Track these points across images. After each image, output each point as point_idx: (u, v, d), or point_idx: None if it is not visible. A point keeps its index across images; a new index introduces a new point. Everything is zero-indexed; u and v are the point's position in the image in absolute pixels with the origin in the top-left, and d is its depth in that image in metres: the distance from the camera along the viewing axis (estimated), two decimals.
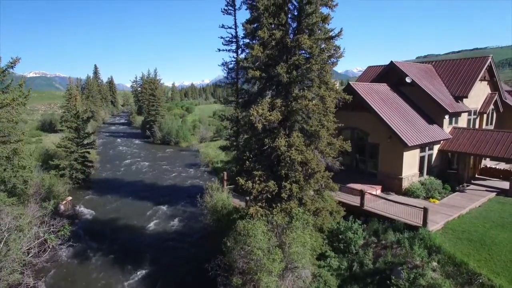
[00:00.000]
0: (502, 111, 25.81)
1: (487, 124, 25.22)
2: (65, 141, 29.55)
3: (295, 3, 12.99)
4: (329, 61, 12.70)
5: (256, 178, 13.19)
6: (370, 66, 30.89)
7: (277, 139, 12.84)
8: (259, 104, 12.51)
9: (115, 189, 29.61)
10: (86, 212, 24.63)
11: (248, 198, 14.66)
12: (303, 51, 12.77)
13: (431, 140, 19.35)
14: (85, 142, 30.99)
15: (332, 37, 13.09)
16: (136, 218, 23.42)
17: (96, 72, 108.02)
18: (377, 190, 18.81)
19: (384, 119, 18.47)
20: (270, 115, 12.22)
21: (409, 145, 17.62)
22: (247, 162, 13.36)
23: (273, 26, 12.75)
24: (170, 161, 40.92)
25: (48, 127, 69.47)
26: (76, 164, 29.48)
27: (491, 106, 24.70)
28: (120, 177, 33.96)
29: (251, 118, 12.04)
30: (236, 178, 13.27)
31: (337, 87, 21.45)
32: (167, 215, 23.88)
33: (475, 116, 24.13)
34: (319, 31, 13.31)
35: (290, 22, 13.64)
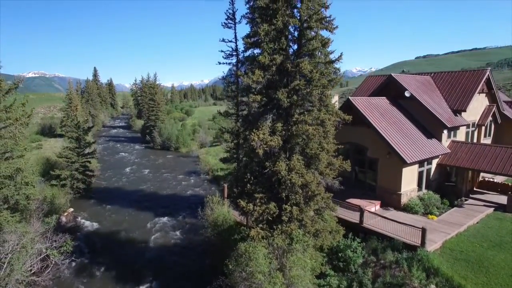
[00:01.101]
0: (500, 122, 26.04)
1: (485, 136, 25.45)
2: (66, 151, 29.69)
3: (295, 28, 13.15)
4: (330, 85, 12.86)
5: (257, 201, 13.38)
6: (370, 76, 31.11)
7: (277, 162, 13.03)
8: (260, 129, 12.68)
9: (116, 199, 29.77)
10: (88, 224, 24.78)
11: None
12: (303, 75, 12.94)
13: (430, 156, 19.57)
14: (86, 151, 31.10)
15: (332, 61, 13.27)
16: (138, 230, 23.58)
17: (95, 74, 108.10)
18: (376, 205, 19.04)
19: (383, 135, 18.67)
20: (271, 140, 12.40)
21: (408, 162, 17.84)
22: (248, 184, 13.54)
23: (273, 50, 12.91)
24: (170, 168, 41.07)
25: (48, 131, 69.71)
26: (77, 174, 29.62)
27: (489, 118, 24.93)
28: (121, 186, 34.11)
29: (252, 143, 12.21)
30: (238, 201, 13.45)
31: (337, 102, 21.64)
32: (168, 227, 24.05)
33: (473, 129, 24.35)
34: (319, 53, 13.51)
35: (291, 44, 13.83)
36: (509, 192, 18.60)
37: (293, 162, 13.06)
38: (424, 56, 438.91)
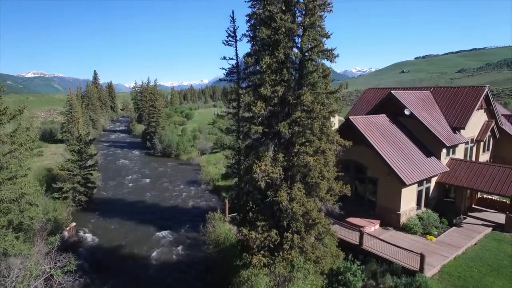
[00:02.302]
0: (499, 137, 26.27)
1: (484, 151, 25.70)
2: (68, 164, 29.90)
3: (296, 59, 13.36)
4: (331, 116, 13.08)
5: (259, 228, 13.61)
6: (369, 89, 31.38)
7: (279, 191, 13.25)
8: (262, 159, 12.90)
9: (118, 212, 29.97)
10: (90, 239, 24.99)
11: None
12: (304, 107, 13.16)
13: (429, 176, 19.82)
14: (88, 163, 31.31)
15: (333, 92, 13.49)
16: (140, 245, 23.80)
17: (95, 77, 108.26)
18: (375, 225, 19.28)
19: (383, 156, 18.90)
20: (273, 172, 12.62)
21: (407, 184, 18.08)
22: (250, 213, 13.77)
23: (275, 82, 13.12)
24: (171, 177, 41.28)
25: (48, 136, 69.78)
26: (79, 186, 29.84)
27: (488, 133, 25.16)
28: (123, 197, 34.32)
29: (254, 175, 12.44)
30: (240, 228, 13.67)
31: (336, 124, 21.84)
32: (170, 243, 24.26)
33: (472, 144, 24.60)
34: (320, 83, 13.73)
35: (292, 75, 14.05)
36: (507, 212, 18.84)
37: (294, 191, 13.29)
38: (424, 57, 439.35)
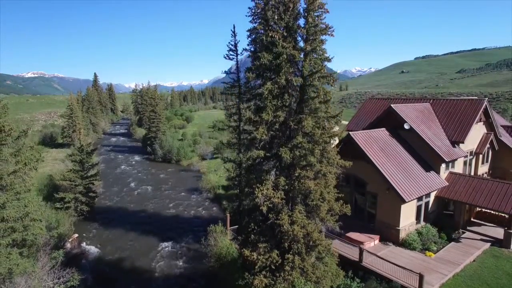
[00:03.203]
0: (498, 148, 26.46)
1: (483, 163, 25.92)
2: (70, 174, 30.10)
3: (297, 84, 13.55)
4: (331, 140, 13.28)
5: (261, 250, 13.82)
6: (369, 99, 31.54)
7: (280, 214, 13.46)
8: (263, 183, 13.11)
9: (120, 221, 30.18)
10: (93, 250, 25.20)
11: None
12: (305, 132, 13.34)
13: (428, 191, 20.03)
14: (90, 173, 31.51)
15: (333, 116, 13.69)
16: (142, 258, 24.00)
17: (95, 80, 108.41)
18: (375, 240, 19.50)
19: (383, 172, 19.11)
20: (274, 197, 12.83)
21: (407, 201, 18.31)
22: (252, 235, 13.98)
23: (276, 107, 13.32)
24: (172, 184, 41.48)
25: (49, 140, 69.88)
26: (81, 196, 30.05)
27: (487, 146, 25.37)
28: (124, 205, 34.51)
29: (256, 200, 12.64)
30: (242, 250, 13.87)
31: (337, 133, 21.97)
32: (172, 254, 24.46)
33: (471, 157, 24.80)
34: (321, 108, 13.92)
35: (294, 97, 14.24)
36: (505, 228, 19.06)
37: (295, 214, 13.49)
38: (424, 57, 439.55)
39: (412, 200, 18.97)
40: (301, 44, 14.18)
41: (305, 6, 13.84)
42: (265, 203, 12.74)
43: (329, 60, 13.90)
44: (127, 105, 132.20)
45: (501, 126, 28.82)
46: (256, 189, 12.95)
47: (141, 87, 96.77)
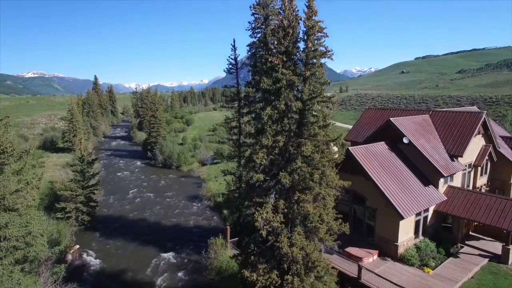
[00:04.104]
0: (496, 160, 26.59)
1: (481, 175, 26.05)
2: (71, 184, 30.26)
3: (297, 109, 13.68)
4: (330, 165, 13.43)
5: (261, 271, 13.97)
6: (368, 109, 31.69)
7: (279, 236, 13.61)
8: (263, 207, 13.26)
9: (121, 231, 30.33)
10: (94, 262, 25.36)
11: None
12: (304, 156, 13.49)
13: (427, 207, 20.19)
14: (91, 183, 31.67)
15: (333, 140, 13.84)
16: (143, 269, 24.16)
17: (95, 83, 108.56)
18: (374, 255, 19.67)
19: (382, 189, 19.26)
20: (274, 220, 12.98)
21: (405, 217, 18.46)
22: (252, 256, 14.14)
23: (276, 131, 13.46)
24: (173, 192, 41.63)
25: (49, 144, 69.93)
26: (82, 206, 30.20)
27: (486, 158, 25.50)
28: (124, 214, 34.67)
29: (256, 224, 12.80)
30: (242, 271, 14.04)
31: (336, 149, 22.13)
32: (173, 266, 24.62)
33: (470, 169, 24.94)
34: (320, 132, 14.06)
35: (294, 120, 14.37)
36: (503, 244, 19.22)
37: (294, 236, 13.63)
38: (424, 57, 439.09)
39: (410, 216, 19.12)
40: (300, 64, 14.36)
41: (304, 29, 13.99)
42: (264, 227, 12.90)
43: (328, 83, 14.05)
44: (127, 107, 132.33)
45: (500, 136, 28.98)
46: (256, 213, 13.10)
47: (141, 88, 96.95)
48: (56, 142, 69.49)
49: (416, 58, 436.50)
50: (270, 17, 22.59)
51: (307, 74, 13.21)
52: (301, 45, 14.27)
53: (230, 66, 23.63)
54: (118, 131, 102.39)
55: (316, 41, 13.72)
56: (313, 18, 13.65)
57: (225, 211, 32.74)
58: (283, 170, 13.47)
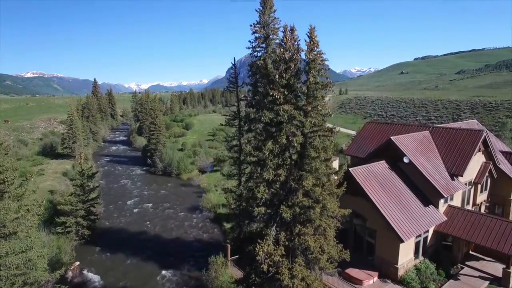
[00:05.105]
0: (496, 176, 26.62)
1: (481, 191, 26.10)
2: (71, 199, 30.24)
3: (298, 146, 13.66)
4: (331, 198, 13.44)
5: None
6: (368, 123, 31.72)
7: (280, 268, 13.63)
8: (264, 239, 13.28)
9: (121, 245, 30.26)
10: (94, 279, 25.34)
11: None
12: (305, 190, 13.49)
13: (427, 229, 20.22)
14: (91, 197, 31.66)
15: (334, 172, 13.86)
16: (144, 287, 24.16)
17: (95, 86, 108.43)
18: (374, 277, 19.71)
19: (382, 212, 19.28)
20: (275, 254, 12.99)
21: (405, 241, 18.49)
22: (253, 287, 14.16)
23: (277, 165, 13.46)
24: (173, 202, 41.63)
25: (49, 150, 69.78)
26: (82, 220, 30.19)
27: (486, 174, 25.52)
28: (125, 227, 34.64)
29: (257, 258, 12.81)
30: None
31: (337, 163, 22.10)
32: (173, 284, 24.61)
33: (469, 187, 24.98)
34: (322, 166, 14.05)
35: (295, 153, 14.36)
36: (504, 267, 19.25)
37: (295, 267, 13.66)
38: (423, 57, 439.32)
39: (410, 239, 19.14)
40: (302, 95, 14.36)
41: (306, 59, 14.00)
42: (266, 261, 12.91)
43: (330, 115, 14.07)
44: (126, 109, 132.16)
45: (500, 151, 29.02)
46: (258, 246, 13.11)
47: (141, 88, 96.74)
48: (55, 148, 69.37)
49: (415, 59, 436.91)
50: (270, 36, 22.61)
51: (308, 109, 13.21)
52: (303, 76, 14.32)
53: (231, 85, 23.61)
54: (117, 134, 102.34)
55: (318, 74, 13.73)
56: (315, 49, 13.68)
57: (225, 224, 32.76)
58: (284, 203, 13.49)
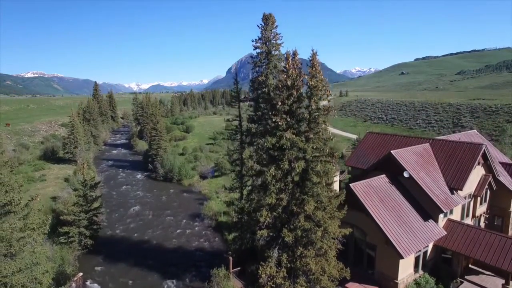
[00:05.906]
0: (496, 188, 26.84)
1: (481, 204, 26.34)
2: (74, 208, 30.49)
3: (299, 171, 13.89)
4: (332, 222, 13.69)
5: None
6: (369, 132, 31.97)
7: None
8: (267, 263, 13.53)
9: (123, 255, 30.52)
10: None
11: None
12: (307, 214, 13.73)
13: (427, 244, 20.47)
14: (93, 206, 31.91)
15: (336, 196, 14.10)
16: None
17: (96, 89, 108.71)
18: None
19: (382, 228, 19.53)
20: (277, 276, 13.25)
21: (405, 257, 18.75)
22: None
23: (279, 190, 13.70)
24: (174, 209, 41.88)
25: (50, 154, 70.00)
26: (85, 230, 30.45)
27: (485, 187, 25.75)
28: (127, 235, 34.89)
29: (260, 281, 13.07)
30: None
31: (337, 179, 22.27)
32: None
33: (469, 200, 25.22)
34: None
35: (296, 171, 14.60)
36: (503, 283, 19.50)
37: None
38: (423, 58, 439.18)
39: (410, 255, 19.39)
40: (303, 119, 14.60)
41: (308, 84, 14.23)
42: (268, 283, 13.16)
43: (331, 139, 14.31)
44: (127, 111, 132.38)
45: (500, 162, 29.25)
46: (261, 268, 13.37)
47: (140, 90, 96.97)
48: (57, 152, 69.62)
49: (415, 59, 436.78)
50: (272, 52, 22.84)
51: (310, 136, 13.44)
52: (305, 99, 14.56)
53: (232, 100, 23.85)
54: (118, 137, 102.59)
55: (319, 100, 13.97)
56: (317, 76, 13.92)
57: (226, 233, 33.00)
58: (286, 226, 13.74)
